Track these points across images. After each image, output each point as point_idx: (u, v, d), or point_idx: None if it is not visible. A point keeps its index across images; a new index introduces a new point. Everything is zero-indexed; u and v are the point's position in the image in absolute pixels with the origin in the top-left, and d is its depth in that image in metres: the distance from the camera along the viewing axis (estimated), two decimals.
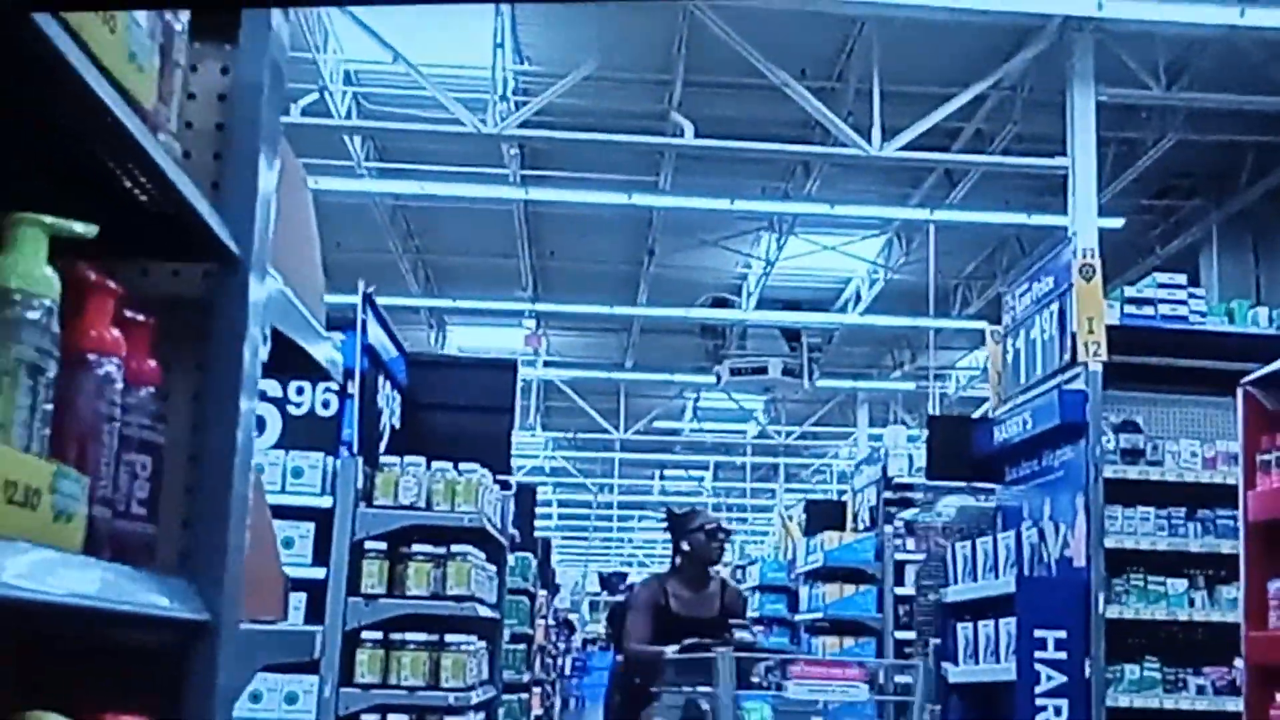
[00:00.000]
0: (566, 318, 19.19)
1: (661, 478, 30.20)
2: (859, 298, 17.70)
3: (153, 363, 1.71)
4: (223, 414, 1.83)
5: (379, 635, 5.67)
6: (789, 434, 24.98)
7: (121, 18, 1.51)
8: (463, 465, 5.92)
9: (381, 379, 6.28)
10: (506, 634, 7.46)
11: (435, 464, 5.88)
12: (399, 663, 5.65)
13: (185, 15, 1.83)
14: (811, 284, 18.03)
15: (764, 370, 18.09)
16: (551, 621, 16.43)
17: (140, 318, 1.69)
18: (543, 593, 12.93)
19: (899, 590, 9.56)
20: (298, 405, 6.16)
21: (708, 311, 17.79)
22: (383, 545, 5.72)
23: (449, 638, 5.73)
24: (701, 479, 29.84)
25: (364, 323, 5.83)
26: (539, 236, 16.79)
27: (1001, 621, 6.48)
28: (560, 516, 33.18)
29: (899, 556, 9.62)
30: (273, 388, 6.17)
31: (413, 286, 17.88)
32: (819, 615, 9.90)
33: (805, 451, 27.19)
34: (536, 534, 12.35)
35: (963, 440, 7.67)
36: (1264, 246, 14.30)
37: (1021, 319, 7.25)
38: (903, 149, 11.98)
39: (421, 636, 5.69)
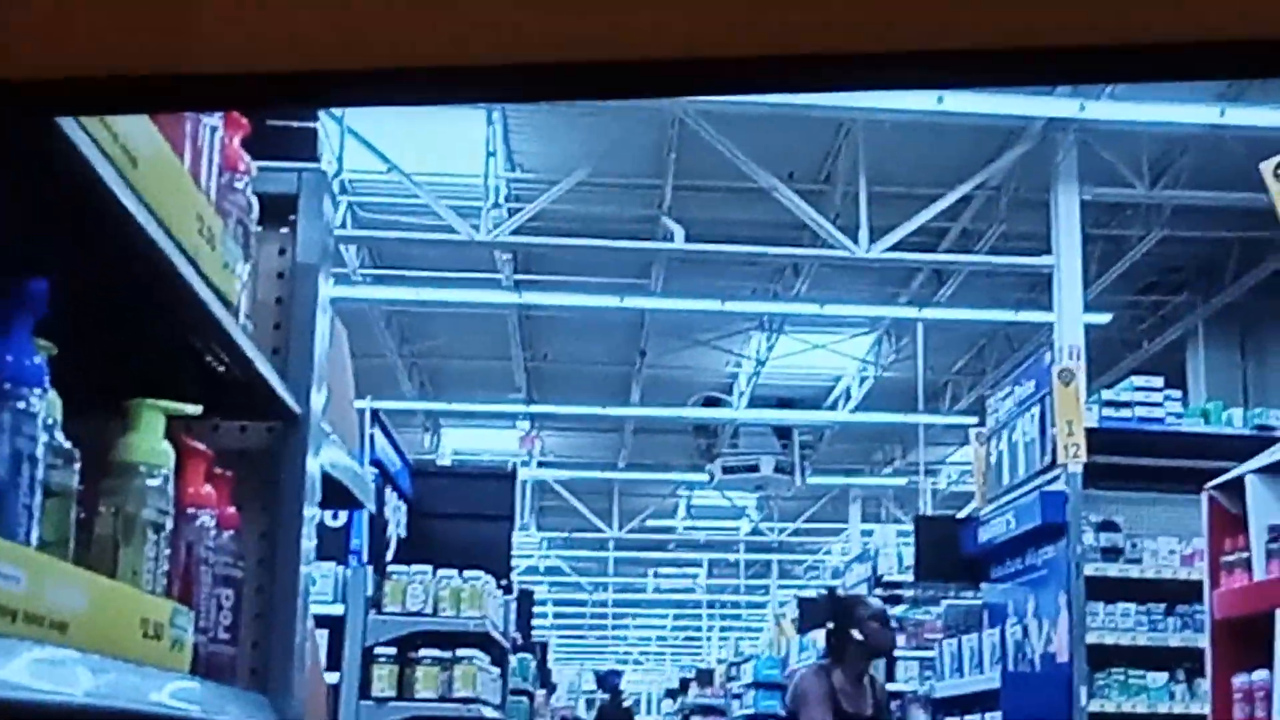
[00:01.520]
0: (560, 419, 19.54)
1: (655, 575, 30.34)
2: (849, 395, 18.09)
3: (232, 509, 2.06)
4: (288, 550, 2.18)
5: None
6: (781, 530, 25.25)
7: (219, 233, 1.88)
8: (467, 573, 6.24)
9: (388, 490, 6.61)
10: None
11: (440, 571, 6.20)
12: None
13: (255, 212, 2.21)
14: (802, 382, 18.43)
15: (756, 468, 18.39)
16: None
17: (224, 472, 2.04)
18: (541, 692, 13.13)
19: (891, 686, 9.79)
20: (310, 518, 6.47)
21: (700, 411, 18.15)
22: (392, 650, 6.02)
23: None
24: (695, 576, 30.01)
25: (371, 437, 6.17)
26: (533, 339, 17.16)
27: (988, 716, 6.75)
28: (555, 616, 33.21)
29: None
30: None
31: (407, 390, 18.22)
32: None
33: (798, 548, 27.42)
34: (534, 635, 12.57)
35: (950, 539, 8.00)
36: (1251, 341, 14.68)
37: (1004, 421, 7.61)
38: (890, 249, 12.39)
39: None
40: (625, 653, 41.26)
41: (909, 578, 9.97)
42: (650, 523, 24.43)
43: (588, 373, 18.02)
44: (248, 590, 2.10)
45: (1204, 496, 4.90)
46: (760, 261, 14.23)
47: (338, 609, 5.98)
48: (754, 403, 18.02)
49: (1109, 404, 7.05)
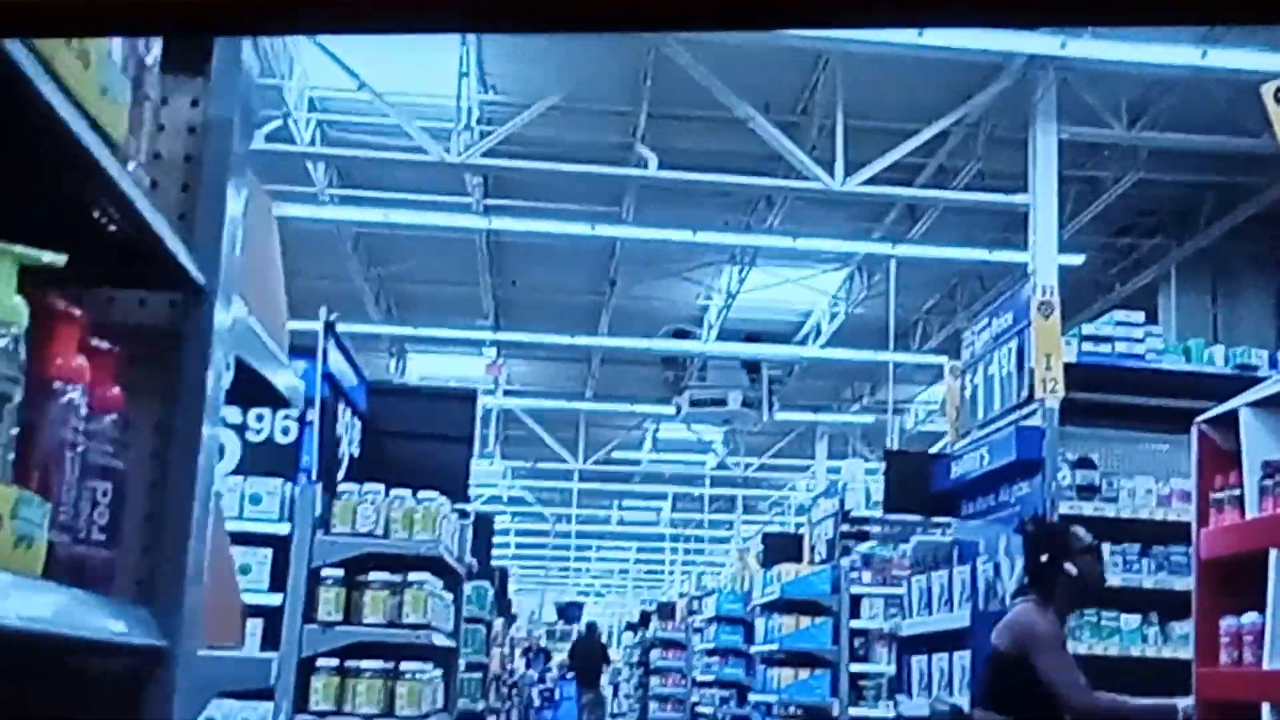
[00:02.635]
0: (527, 347, 19.19)
1: (620, 507, 30.16)
2: (819, 331, 17.81)
3: (116, 390, 1.73)
4: (185, 441, 1.85)
5: (334, 663, 5.66)
6: (748, 466, 25.05)
7: (96, 52, 1.53)
8: (421, 493, 5.92)
9: (342, 407, 6.28)
10: (462, 663, 7.43)
11: (393, 492, 5.88)
12: (354, 690, 5.63)
13: (157, 49, 1.86)
14: (772, 317, 18.13)
15: (724, 402, 18.13)
16: (507, 650, 16.38)
17: (105, 346, 1.70)
18: (499, 621, 12.89)
19: (855, 623, 9.61)
20: (257, 432, 6.15)
21: (668, 343, 17.85)
22: (340, 573, 5.71)
23: (404, 666, 5.72)
24: (660, 509, 29.85)
25: (325, 350, 5.84)
26: (501, 266, 16.80)
27: (956, 655, 6.52)
28: (517, 546, 33.07)
29: (855, 589, 9.66)
30: (232, 414, 6.15)
31: (374, 314, 17.84)
32: (775, 647, 9.93)
33: (764, 484, 27.28)
34: (494, 563, 12.32)
35: (920, 475, 7.74)
36: (1222, 286, 14.50)
37: (980, 355, 7.33)
38: (865, 184, 12.11)
39: (377, 664, 5.68)
40: (588, 585, 41.26)
41: (876, 513, 9.74)
42: (616, 455, 24.20)
43: (556, 301, 17.68)
44: (134, 487, 1.78)
45: (1194, 430, 4.63)
46: (733, 192, 13.88)
47: (284, 528, 5.68)
48: (723, 336, 17.74)
49: (1088, 339, 6.78)
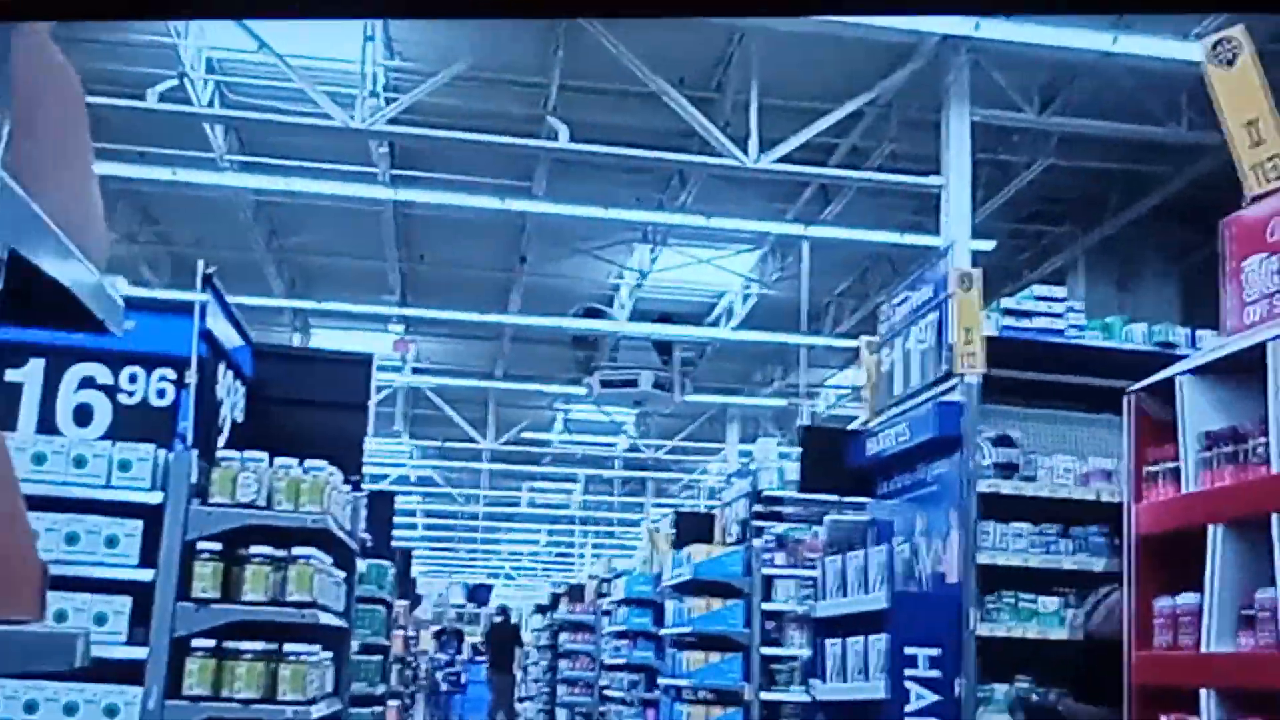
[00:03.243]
0: (436, 323, 18.66)
1: (530, 489, 29.70)
2: (732, 312, 17.52)
3: None
4: None
5: (211, 643, 5.17)
6: (659, 448, 24.71)
7: None
8: (308, 462, 5.45)
9: (223, 369, 5.79)
10: (356, 644, 6.96)
11: (278, 460, 5.41)
12: (232, 673, 5.15)
13: None
14: (685, 297, 17.81)
15: (635, 383, 17.77)
16: (412, 632, 15.90)
17: None
18: (401, 603, 12.42)
19: (767, 605, 9.29)
20: (130, 394, 5.65)
21: (579, 321, 17.43)
22: (217, 546, 5.22)
23: (288, 647, 5.25)
24: (570, 491, 29.42)
25: (203, 306, 5.35)
26: (409, 239, 16.28)
27: (872, 638, 6.21)
28: (425, 527, 32.45)
29: (768, 571, 9.34)
30: (103, 374, 5.66)
31: (275, 286, 17.21)
32: (686, 630, 9.57)
33: (675, 466, 26.98)
34: (395, 542, 11.83)
35: (836, 452, 7.42)
36: (1129, 274, 14.45)
37: (897, 329, 7.02)
38: (778, 162, 11.82)
39: (258, 645, 5.20)
40: (497, 567, 40.72)
41: (790, 493, 9.42)
42: (526, 435, 23.73)
43: (466, 277, 17.18)
44: None
45: (1127, 400, 4.35)
46: (646, 168, 13.52)
47: (156, 497, 5.17)
48: (635, 316, 17.38)
49: (1009, 312, 6.49)
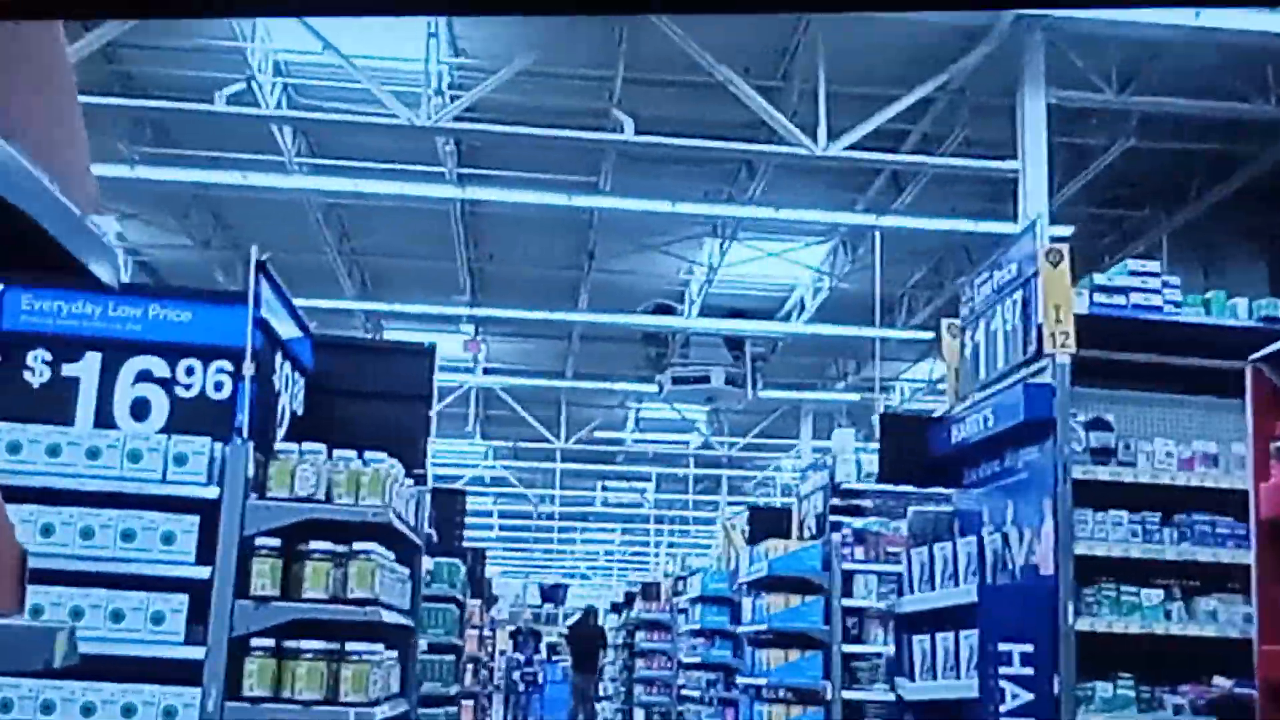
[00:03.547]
0: (506, 323, 18.42)
1: (604, 488, 29.38)
2: (803, 306, 17.09)
3: None
4: None
5: (270, 643, 4.90)
6: (732, 445, 24.27)
7: None
8: (368, 454, 5.17)
9: (280, 359, 5.53)
10: (425, 643, 6.67)
11: (337, 452, 5.13)
12: (293, 674, 4.88)
13: None
14: (755, 292, 17.42)
15: (706, 379, 17.41)
16: (488, 632, 15.65)
17: None
18: (474, 602, 12.15)
19: (847, 601, 8.89)
20: (187, 387, 5.41)
21: (649, 318, 17.10)
22: (276, 542, 4.95)
23: (350, 646, 4.96)
24: (644, 490, 29.05)
25: (257, 294, 5.09)
26: (478, 238, 16.07)
27: (963, 634, 5.81)
28: (501, 528, 32.28)
29: (847, 566, 8.94)
30: (159, 367, 5.42)
31: (347, 289, 17.08)
32: (763, 627, 9.19)
33: (748, 463, 26.53)
34: (468, 541, 11.58)
35: (917, 441, 7.01)
36: (1215, 258, 13.84)
37: (981, 309, 6.60)
38: (848, 149, 11.43)
39: (319, 644, 4.92)
40: (573, 567, 40.49)
41: (869, 485, 9.01)
42: (598, 434, 23.41)
43: (534, 276, 16.92)
44: None
45: (1248, 371, 3.93)
46: (713, 159, 13.19)
47: (212, 492, 4.92)
48: (705, 312, 17.01)
49: (1100, 289, 6.05)
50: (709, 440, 24.37)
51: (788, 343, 18.64)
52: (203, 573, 4.88)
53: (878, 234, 14.04)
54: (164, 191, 14.23)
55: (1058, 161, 12.03)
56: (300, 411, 5.86)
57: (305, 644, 4.90)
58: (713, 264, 15.81)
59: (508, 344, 20.01)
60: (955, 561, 6.01)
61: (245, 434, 4.97)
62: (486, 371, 20.04)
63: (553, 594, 32.67)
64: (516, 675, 22.24)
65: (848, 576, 8.92)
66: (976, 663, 5.65)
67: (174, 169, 13.27)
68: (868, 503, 9.13)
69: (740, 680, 10.29)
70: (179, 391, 5.39)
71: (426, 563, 6.58)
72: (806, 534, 9.76)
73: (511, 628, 25.74)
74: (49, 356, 5.43)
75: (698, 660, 13.63)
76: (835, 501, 9.21)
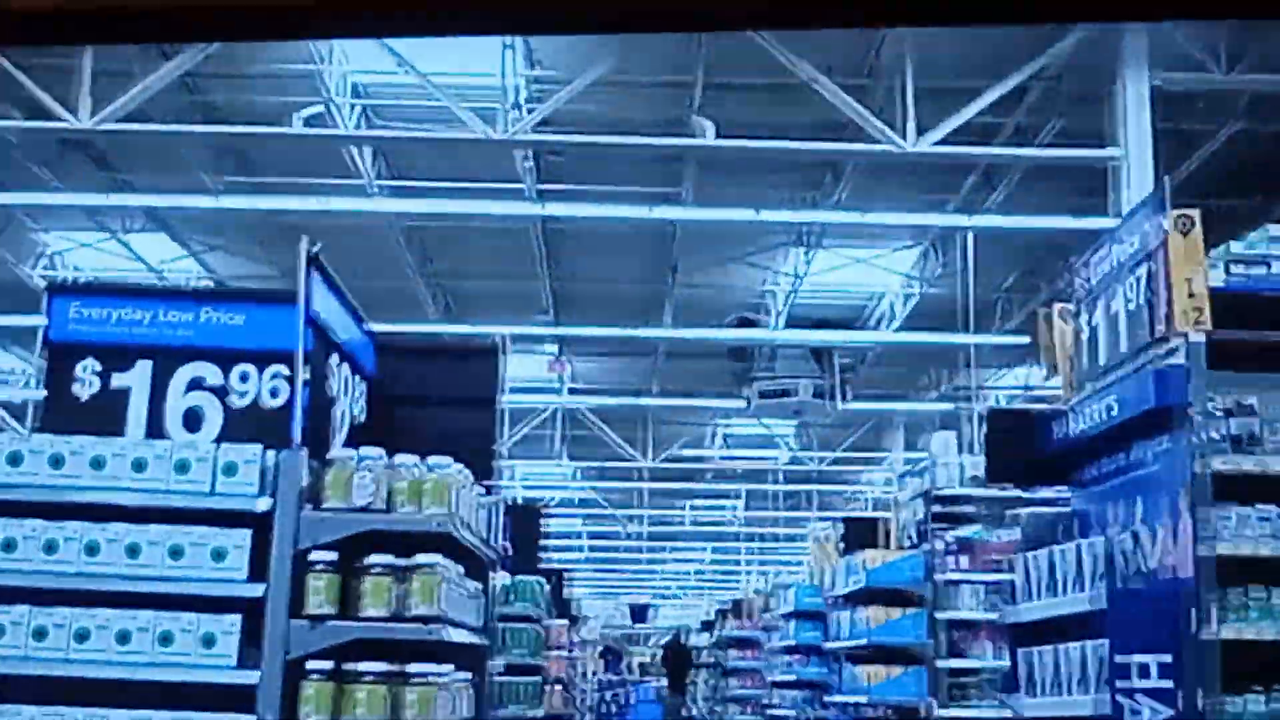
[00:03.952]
0: (589, 341, 17.92)
1: (691, 508, 28.69)
2: (892, 314, 16.39)
3: None
4: None
5: (328, 665, 4.40)
6: (820, 460, 23.42)
7: None
8: (432, 459, 4.67)
9: (337, 361, 5.06)
10: (501, 664, 6.13)
11: (398, 458, 4.64)
12: (353, 698, 4.38)
13: None
14: (841, 301, 16.73)
15: (793, 392, 16.77)
16: (575, 652, 15.09)
17: None
18: (559, 623, 11.61)
19: (948, 614, 8.22)
20: (241, 394, 4.97)
21: (733, 332, 16.51)
22: (332, 556, 4.47)
23: (413, 668, 4.46)
24: (733, 508, 28.28)
25: (308, 291, 4.63)
26: (558, 257, 15.63)
27: (1090, 645, 5.16)
28: (590, 549, 31.71)
29: (948, 575, 8.26)
30: (212, 374, 4.99)
31: (431, 312, 16.73)
32: (860, 642, 8.53)
33: (837, 478, 25.69)
34: (552, 562, 11.05)
35: (1026, 438, 6.36)
36: None
37: (1099, 288, 5.95)
38: (938, 144, 10.78)
39: (380, 667, 4.42)
40: (663, 586, 39.77)
41: (972, 490, 8.35)
42: (684, 452, 22.77)
43: (616, 292, 16.41)
44: None
45: None
46: (798, 161, 12.61)
47: (264, 503, 4.45)
48: (790, 323, 16.37)
49: (1237, 260, 5.39)
50: (797, 455, 23.59)
51: (876, 352, 17.92)
52: (255, 590, 4.42)
53: (969, 235, 13.33)
54: (247, 221, 14.00)
55: (1160, 149, 11.28)
56: (363, 419, 5.39)
57: (365, 666, 4.41)
58: (797, 273, 15.20)
59: (591, 363, 19.52)
60: (1079, 565, 5.36)
61: (299, 441, 4.50)
62: (571, 392, 19.58)
63: (642, 614, 31.99)
64: (607, 696, 21.61)
65: (949, 587, 8.25)
66: (1105, 676, 5.00)
67: (255, 197, 13.04)
68: (969, 509, 8.46)
69: (836, 698, 9.63)
70: (233, 400, 4.96)
71: (502, 577, 6.07)
72: (905, 543, 9.09)
73: (601, 648, 25.15)
74: (99, 366, 5.02)
75: (790, 679, 12.91)
76: (935, 509, 8.54)
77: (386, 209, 13.82)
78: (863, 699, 8.53)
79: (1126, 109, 10.34)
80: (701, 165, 12.86)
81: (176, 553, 4.45)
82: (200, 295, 5.06)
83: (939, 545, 8.26)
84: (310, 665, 4.39)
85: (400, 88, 11.80)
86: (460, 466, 4.82)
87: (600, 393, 20.36)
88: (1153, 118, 10.34)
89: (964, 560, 8.22)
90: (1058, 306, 6.43)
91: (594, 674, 22.49)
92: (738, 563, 33.94)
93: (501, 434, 5.85)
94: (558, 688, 11.07)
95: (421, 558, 4.49)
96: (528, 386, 19.30)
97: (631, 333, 16.53)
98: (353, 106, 12.12)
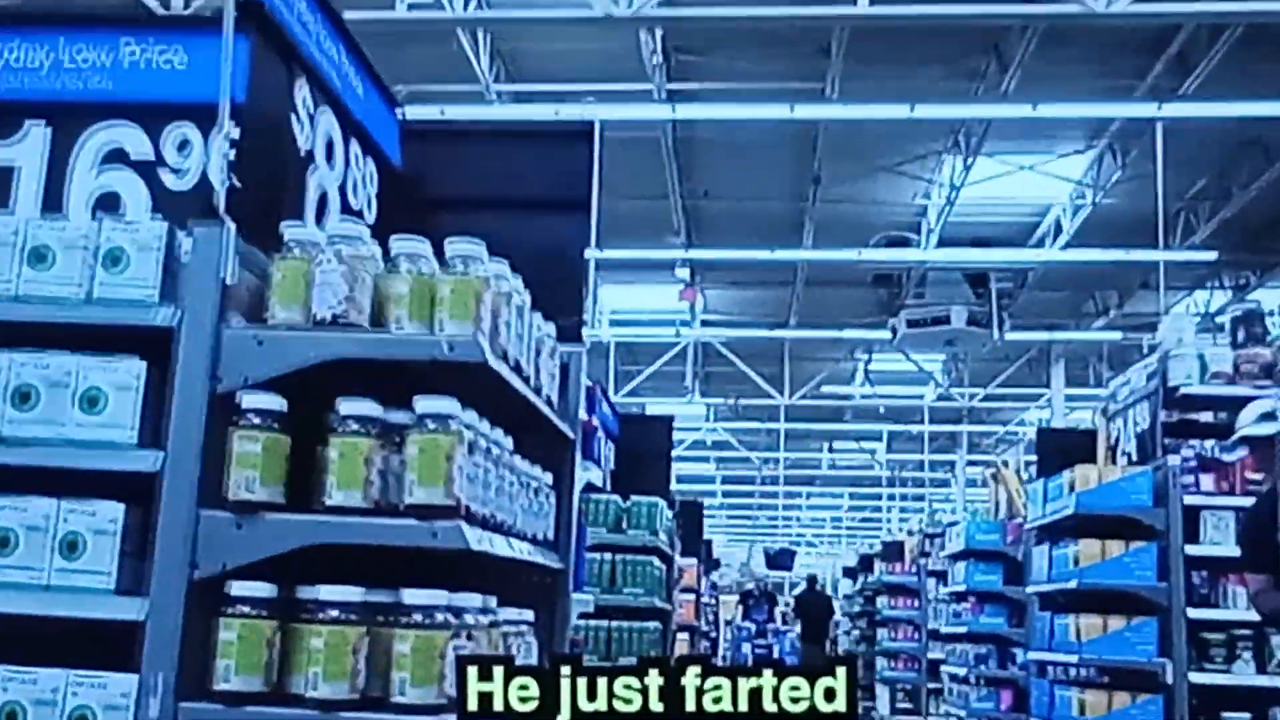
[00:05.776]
0: (723, 266, 15.67)
1: (830, 450, 26.15)
2: (1059, 230, 13.78)
3: None
4: None
5: (267, 590, 2.36)
6: (972, 397, 20.59)
7: None
8: (454, 245, 2.58)
9: (329, 116, 3.01)
10: (589, 601, 3.93)
11: (397, 244, 2.56)
12: (305, 646, 2.33)
13: None
14: (1002, 217, 14.17)
15: (946, 320, 14.34)
16: (707, 598, 13.03)
17: None
18: (688, 561, 9.51)
19: (1192, 549, 5.89)
20: (179, 172, 2.96)
21: (881, 252, 14.12)
22: (278, 404, 2.39)
23: (409, 596, 2.40)
24: (874, 451, 25.65)
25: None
26: (690, 171, 13.49)
27: None
28: (724, 494, 29.45)
29: (1191, 500, 5.92)
30: (136, 141, 3.00)
31: None
32: (1067, 585, 6.24)
33: (989, 417, 22.82)
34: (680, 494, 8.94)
35: None
36: None
37: None
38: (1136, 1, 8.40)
39: (353, 594, 2.37)
40: (799, 534, 37.38)
41: (1219, 390, 5.98)
42: (825, 389, 20.26)
43: (753, 211, 14.11)
44: None
45: None
46: (962, 38, 10.28)
47: (165, 314, 2.40)
48: (944, 243, 13.91)
49: None
50: (946, 392, 20.82)
51: (1039, 275, 15.28)
52: (147, 462, 2.41)
53: (1159, 126, 10.77)
54: None
55: None
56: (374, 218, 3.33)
57: (328, 592, 2.36)
58: (955, 182, 12.76)
59: (726, 292, 17.24)
60: None
61: (224, 209, 2.47)
62: (704, 324, 17.40)
63: (779, 560, 29.43)
64: (747, 648, 19.22)
65: (1192, 515, 5.91)
66: None
67: None
68: (1213, 417, 6.08)
69: (1031, 655, 7.29)
70: (167, 180, 2.96)
71: (592, 476, 3.95)
72: (1125, 460, 6.72)
73: (745, 588, 22.77)
74: None
75: (961, 630, 10.49)
76: (1168, 415, 6.16)
77: (504, 116, 11.88)
78: (1070, 658, 6.20)
79: None
80: (848, 57, 10.64)
81: (21, 396, 2.46)
82: (120, 22, 2.96)
83: (1175, 460, 5.89)
84: (236, 589, 2.35)
85: None
86: (508, 270, 2.73)
87: (735, 325, 18.09)
88: None
89: (1208, 481, 5.86)
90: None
91: (729, 622, 20.27)
92: (879, 510, 31.30)
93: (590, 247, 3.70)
94: (685, 635, 8.98)
95: (427, 403, 2.40)
96: (656, 320, 17.21)
97: (769, 255, 14.28)
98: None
